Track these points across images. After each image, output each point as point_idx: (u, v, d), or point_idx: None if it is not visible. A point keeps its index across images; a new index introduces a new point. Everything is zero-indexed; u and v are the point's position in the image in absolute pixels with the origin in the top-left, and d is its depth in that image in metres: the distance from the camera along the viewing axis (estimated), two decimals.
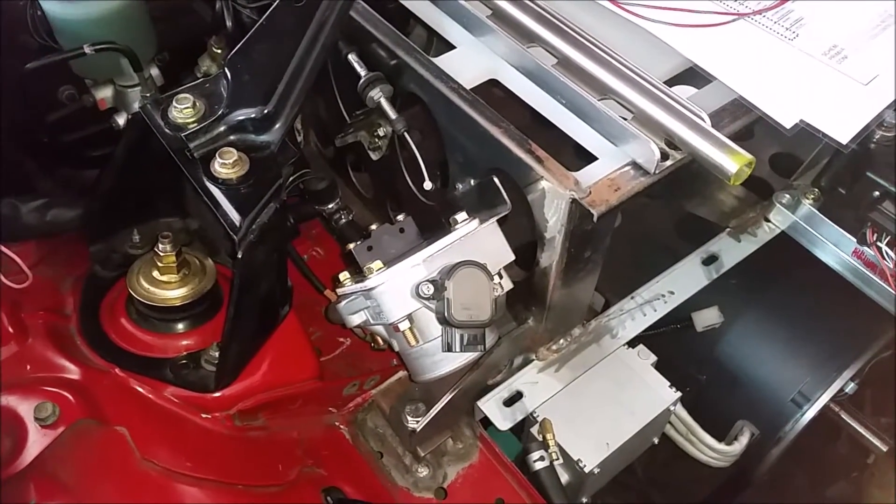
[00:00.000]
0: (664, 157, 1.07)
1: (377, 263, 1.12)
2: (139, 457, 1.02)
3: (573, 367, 1.39)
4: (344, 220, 1.57)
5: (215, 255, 1.32)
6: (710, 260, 1.55)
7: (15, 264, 1.17)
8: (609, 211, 1.04)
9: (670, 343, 1.49)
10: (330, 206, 1.57)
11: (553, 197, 1.07)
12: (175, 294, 1.18)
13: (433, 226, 1.27)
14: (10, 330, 1.16)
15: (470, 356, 1.16)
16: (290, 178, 1.18)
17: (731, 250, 1.58)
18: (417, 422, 1.28)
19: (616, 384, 1.44)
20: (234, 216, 1.02)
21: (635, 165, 1.09)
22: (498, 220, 1.17)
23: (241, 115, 1.10)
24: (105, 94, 1.46)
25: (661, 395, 1.45)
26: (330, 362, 1.46)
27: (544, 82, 1.19)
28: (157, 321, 1.20)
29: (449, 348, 1.09)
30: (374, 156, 1.45)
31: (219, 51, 1.47)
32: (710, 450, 1.56)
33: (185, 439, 1.11)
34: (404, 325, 1.12)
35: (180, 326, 1.21)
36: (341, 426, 1.34)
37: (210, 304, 1.22)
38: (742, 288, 1.62)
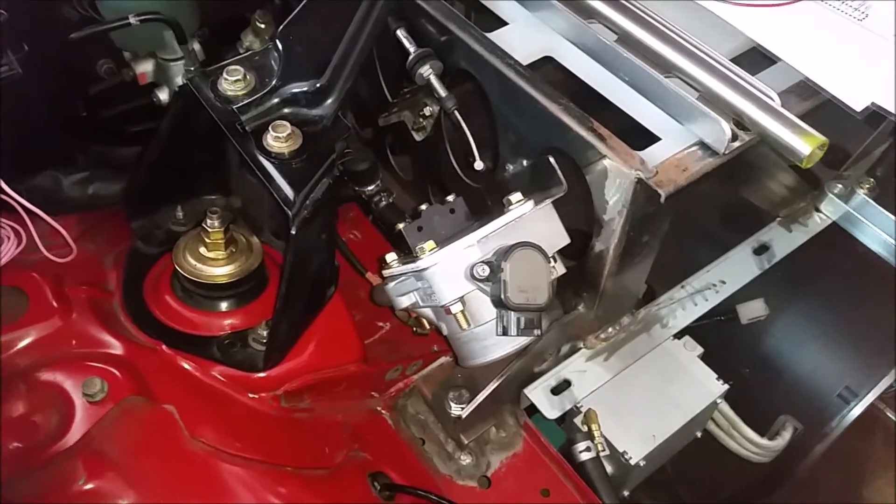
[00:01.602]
0: (733, 137, 1.03)
1: (430, 243, 1.09)
2: (188, 435, 0.99)
3: (622, 357, 1.35)
4: (384, 203, 1.54)
5: (258, 234, 1.29)
6: (761, 250, 1.51)
7: (58, 237, 1.15)
8: (677, 192, 1.00)
9: (714, 335, 1.45)
10: (370, 187, 1.54)
11: (616, 177, 1.03)
12: (222, 271, 1.15)
13: (478, 208, 1.24)
14: (55, 304, 1.14)
15: (521, 342, 1.12)
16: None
17: (782, 240, 1.54)
18: (462, 409, 1.25)
19: (662, 375, 1.41)
20: (288, 191, 0.99)
21: (703, 145, 1.05)
22: (553, 202, 1.13)
23: (293, 88, 1.07)
24: (146, 68, 1.43)
25: (708, 387, 1.41)
26: (370, 346, 1.42)
27: (605, 59, 1.15)
28: (203, 298, 1.18)
29: (504, 332, 1.05)
30: (417, 136, 1.42)
31: (263, 26, 1.43)
32: (753, 445, 1.53)
33: (232, 419, 1.08)
34: (456, 308, 1.09)
35: (226, 305, 1.19)
36: (383, 411, 1.31)
37: (256, 283, 1.19)
38: (788, 279, 1.57)
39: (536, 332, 1.05)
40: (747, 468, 1.51)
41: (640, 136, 1.10)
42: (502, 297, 1.03)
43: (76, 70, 1.46)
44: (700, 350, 1.45)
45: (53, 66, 1.35)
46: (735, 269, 1.49)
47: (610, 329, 1.34)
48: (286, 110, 1.07)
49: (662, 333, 1.39)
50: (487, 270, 1.05)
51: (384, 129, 1.41)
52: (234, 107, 1.05)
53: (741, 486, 1.67)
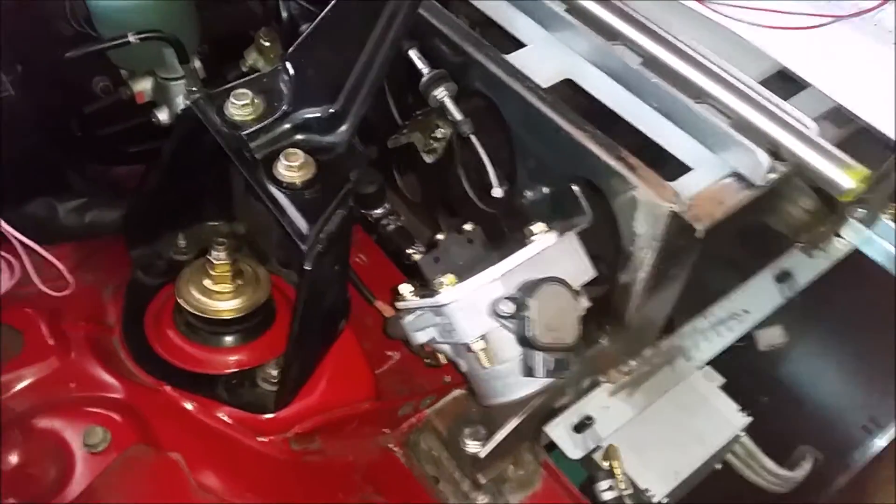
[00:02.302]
0: (770, 168, 0.98)
1: (450, 277, 1.03)
2: (195, 485, 0.93)
3: (646, 392, 1.30)
4: (392, 227, 1.47)
5: (264, 262, 1.23)
6: (783, 277, 1.46)
7: (54, 269, 1.08)
8: (714, 226, 0.94)
9: (730, 361, 1.40)
10: (378, 210, 1.48)
11: (647, 209, 0.98)
12: (228, 305, 1.09)
13: (493, 234, 1.18)
14: (51, 342, 1.07)
15: (545, 381, 1.07)
16: None
17: (804, 267, 1.49)
18: (478, 446, 1.19)
19: (682, 408, 1.35)
20: (302, 224, 0.93)
21: (738, 176, 1.00)
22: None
23: (305, 113, 1.02)
24: (144, 86, 1.37)
25: (730, 420, 1.35)
26: (379, 378, 1.36)
27: (630, 83, 1.10)
28: (208, 334, 1.11)
29: (530, 373, 1.00)
30: (427, 159, 1.36)
31: (267, 44, 1.38)
32: (771, 475, 1.48)
33: (241, 465, 1.02)
34: (478, 346, 1.03)
35: (232, 340, 1.12)
36: (395, 448, 1.25)
37: (264, 317, 1.13)
38: (807, 305, 1.52)
39: (565, 373, 1.00)
40: (760, 496, 1.46)
41: (669, 166, 1.05)
42: (528, 335, 0.97)
43: (70, 88, 1.40)
44: (720, 380, 1.40)
45: (47, 84, 1.29)
46: (757, 297, 1.44)
47: (632, 362, 1.29)
48: (298, 137, 1.01)
49: (686, 367, 1.34)
50: (512, 307, 0.99)
51: (392, 150, 1.36)
52: (242, 133, 0.99)
53: None
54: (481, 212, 1.32)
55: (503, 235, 1.23)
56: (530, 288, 0.99)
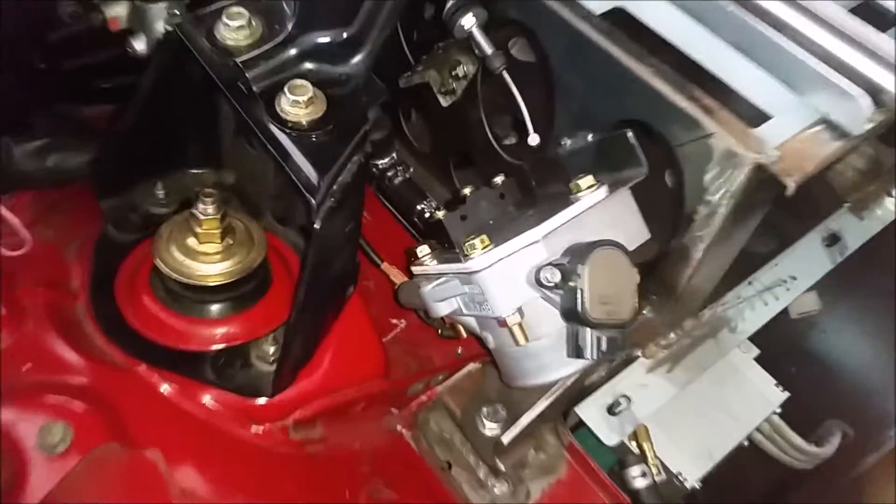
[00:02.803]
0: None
1: (483, 239, 0.87)
2: (177, 490, 0.76)
3: (687, 368, 1.16)
4: (400, 179, 1.31)
5: (257, 217, 1.06)
6: (831, 240, 1.33)
7: (6, 224, 0.90)
8: (805, 181, 0.79)
9: (758, 329, 1.28)
10: (384, 160, 1.31)
11: (725, 160, 0.83)
12: (217, 269, 0.92)
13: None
14: (2, 312, 0.89)
15: (587, 362, 0.91)
16: None
17: (854, 230, 1.37)
18: (496, 428, 1.07)
19: (716, 382, 1.25)
20: (311, 173, 0.76)
21: (828, 124, 0.84)
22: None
23: (314, 37, 0.84)
24: (118, 11, 1.16)
25: (767, 396, 1.26)
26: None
27: (697, 12, 0.93)
28: (193, 303, 0.94)
29: (578, 353, 0.84)
30: (444, 101, 1.20)
31: None
32: (796, 450, 1.37)
33: (232, 461, 0.85)
34: (514, 320, 0.87)
35: (221, 310, 0.95)
36: (403, 430, 1.10)
37: (258, 283, 0.96)
38: (844, 270, 1.40)
39: (619, 354, 0.84)
40: (785, 471, 1.38)
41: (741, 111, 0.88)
42: (578, 309, 0.82)
43: (33, 13, 1.19)
44: (756, 352, 1.32)
45: (3, 8, 1.09)
46: (805, 262, 1.32)
47: (672, 335, 1.14)
48: (305, 66, 0.83)
49: (731, 339, 1.22)
50: (558, 276, 0.83)
51: (401, 91, 1.18)
52: (237, 60, 0.81)
53: (765, 487, 1.53)
54: (505, 163, 1.16)
55: (531, 191, 1.06)
56: (580, 252, 0.84)
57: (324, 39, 0.83)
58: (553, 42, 0.96)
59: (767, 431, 1.35)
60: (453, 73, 1.16)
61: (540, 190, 1.09)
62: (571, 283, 0.83)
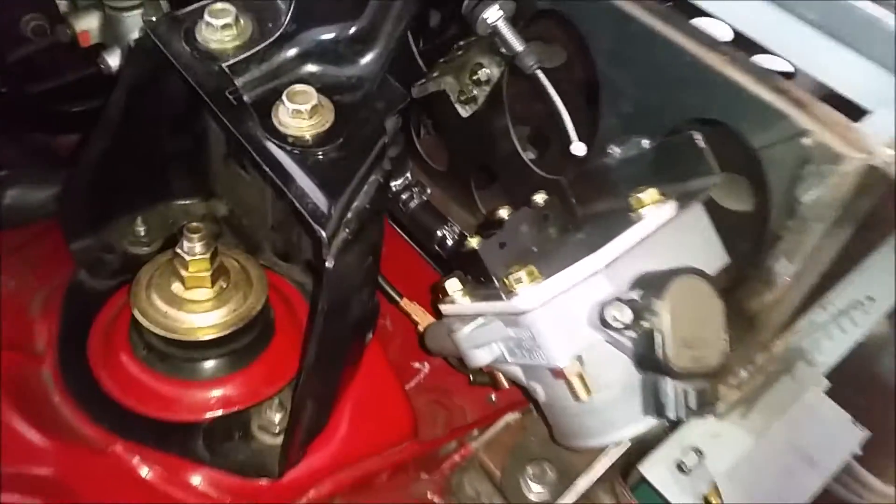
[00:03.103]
0: None
1: (530, 270, 0.71)
2: None
3: (764, 410, 1.01)
4: (416, 202, 1.16)
5: (256, 253, 0.90)
6: None
7: None
8: None
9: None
10: (398, 181, 1.16)
11: (825, 163, 0.67)
12: (209, 320, 0.76)
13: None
14: None
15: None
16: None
17: None
18: (545, 494, 0.92)
19: (787, 422, 1.08)
20: (319, 198, 0.61)
21: None
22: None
23: (316, 34, 0.69)
24: (89, 24, 1.05)
25: (844, 435, 1.11)
26: None
27: None
28: (181, 362, 0.78)
29: (659, 412, 0.68)
30: (463, 111, 1.06)
31: None
32: (867, 490, 1.27)
33: None
34: (573, 370, 0.71)
35: (215, 369, 0.78)
36: (434, 497, 0.94)
37: (259, 334, 0.80)
38: None
39: (711, 409, 0.68)
40: None
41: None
42: (658, 356, 0.66)
43: None
44: (825, 384, 1.14)
45: None
46: (882, 279, 1.15)
47: (744, 372, 0.98)
48: (306, 69, 0.69)
49: (809, 374, 1.06)
50: (629, 314, 0.67)
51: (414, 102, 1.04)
52: (222, 65, 0.66)
53: None
54: (537, 179, 1.01)
55: (571, 211, 0.91)
56: (654, 284, 0.68)
57: (328, 36, 0.68)
58: (600, 33, 0.82)
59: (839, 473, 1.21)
60: (474, 78, 1.02)
61: (582, 209, 0.94)
62: (646, 324, 0.67)
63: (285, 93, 0.64)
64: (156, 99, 0.81)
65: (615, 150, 0.89)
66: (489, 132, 1.07)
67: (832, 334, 1.09)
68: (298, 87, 0.64)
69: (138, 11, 1.01)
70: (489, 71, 1.01)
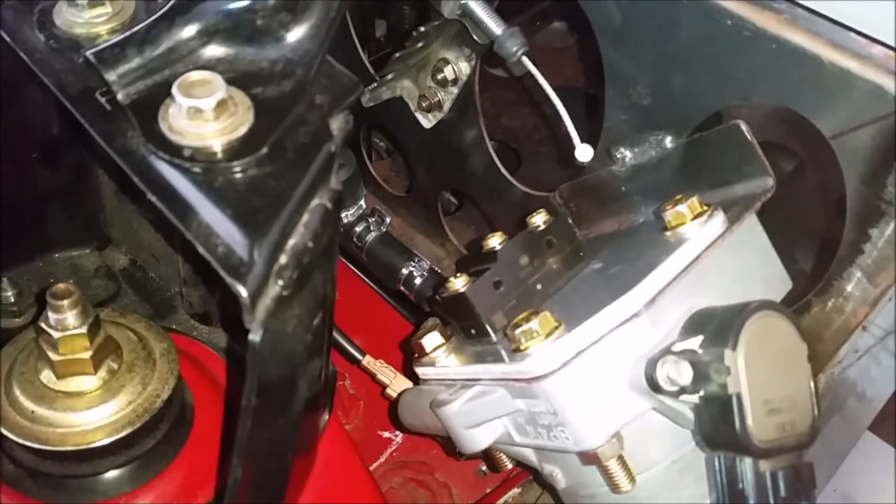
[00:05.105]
0: None
1: (545, 317, 0.51)
2: None
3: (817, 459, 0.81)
4: (374, 235, 0.96)
5: (167, 315, 0.68)
6: None
7: None
8: None
9: None
10: (350, 211, 0.96)
11: None
12: (95, 418, 0.53)
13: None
14: None
15: None
16: None
17: None
18: None
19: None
20: (234, 236, 0.40)
21: None
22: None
23: (222, 3, 0.48)
24: None
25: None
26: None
27: None
28: (61, 480, 0.55)
29: (735, 502, 0.48)
30: (426, 120, 0.87)
31: None
32: None
33: None
34: (611, 453, 0.51)
35: (110, 485, 0.56)
36: None
37: (170, 430, 0.57)
38: None
39: (811, 497, 0.49)
40: None
41: None
42: (736, 429, 0.46)
43: None
44: None
45: None
46: None
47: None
48: (210, 53, 0.48)
49: (862, 411, 0.88)
50: (688, 372, 0.47)
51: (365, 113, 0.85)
52: (88, 53, 0.45)
53: None
54: (520, 198, 0.82)
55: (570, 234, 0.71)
56: (717, 327, 0.49)
57: (240, 4, 0.47)
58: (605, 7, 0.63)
59: None
60: (438, 78, 0.82)
61: (581, 230, 0.74)
62: (714, 385, 0.47)
63: (176, 84, 0.43)
64: (14, 118, 0.59)
65: (626, 154, 0.70)
66: (458, 144, 0.87)
67: (881, 360, 0.92)
68: (196, 74, 0.43)
69: None
70: (456, 68, 0.82)
